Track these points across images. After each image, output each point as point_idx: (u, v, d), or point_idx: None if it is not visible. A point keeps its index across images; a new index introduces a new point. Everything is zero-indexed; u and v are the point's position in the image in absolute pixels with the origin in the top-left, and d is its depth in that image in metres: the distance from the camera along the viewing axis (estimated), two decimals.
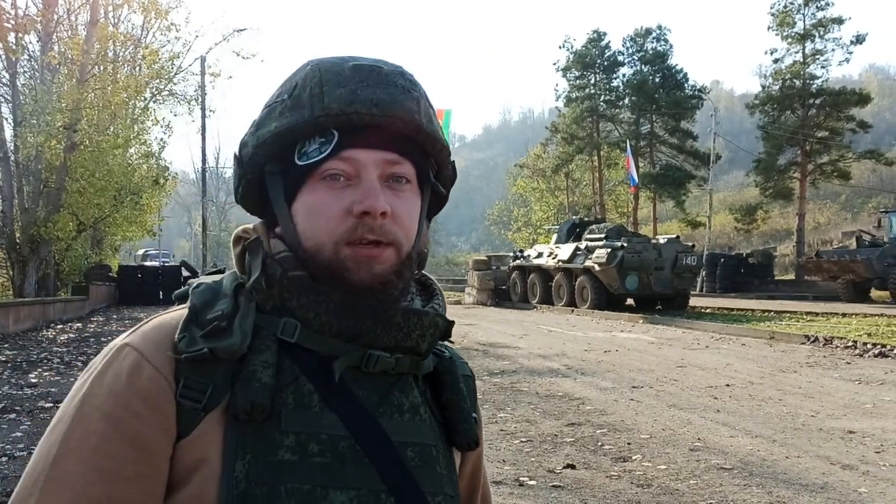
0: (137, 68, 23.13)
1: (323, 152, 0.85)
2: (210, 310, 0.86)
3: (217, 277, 0.93)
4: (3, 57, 17.89)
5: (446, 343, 1.00)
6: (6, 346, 12.28)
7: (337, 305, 0.85)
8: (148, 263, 36.12)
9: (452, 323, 0.95)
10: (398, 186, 0.88)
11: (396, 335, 0.87)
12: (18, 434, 6.03)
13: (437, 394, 0.95)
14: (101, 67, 20.92)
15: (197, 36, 39.76)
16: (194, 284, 0.91)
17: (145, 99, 22.60)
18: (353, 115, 0.84)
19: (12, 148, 18.48)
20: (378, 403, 0.87)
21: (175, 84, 22.87)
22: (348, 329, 0.85)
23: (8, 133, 18.55)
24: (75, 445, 0.79)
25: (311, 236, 0.87)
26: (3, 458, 5.30)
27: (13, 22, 16.09)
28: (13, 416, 6.73)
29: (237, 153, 0.93)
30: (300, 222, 0.88)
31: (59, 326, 16.13)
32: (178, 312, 0.87)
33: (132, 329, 0.88)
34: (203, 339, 0.82)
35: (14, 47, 16.61)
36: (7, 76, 18.61)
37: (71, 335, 14.35)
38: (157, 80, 22.25)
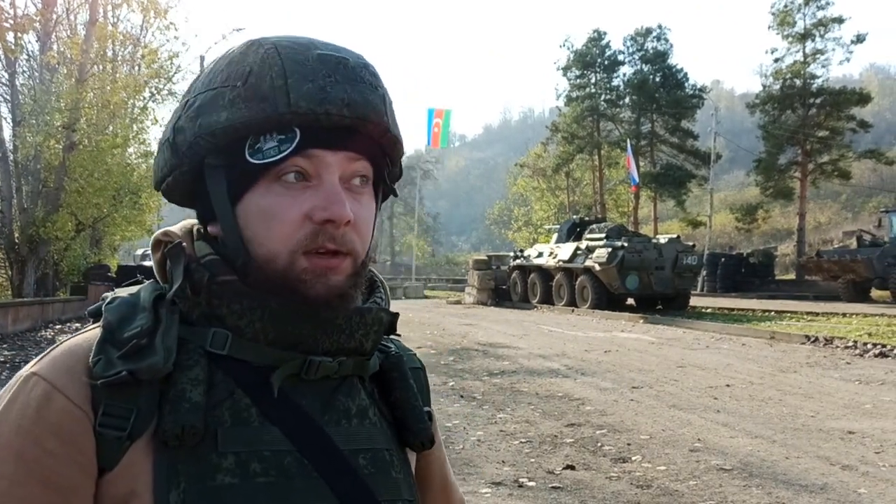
0: (136, 68, 23.12)
1: (282, 151, 0.77)
2: (127, 326, 0.77)
3: (134, 289, 0.84)
4: (2, 56, 17.87)
5: (392, 337, 0.95)
6: (5, 346, 12.27)
7: (273, 312, 0.78)
8: (147, 263, 36.07)
9: (396, 316, 0.90)
10: (357, 188, 0.82)
11: (338, 338, 0.81)
12: None
13: (386, 393, 0.89)
14: (100, 67, 20.91)
15: (196, 35, 39.66)
16: (108, 299, 0.83)
17: (144, 98, 22.57)
18: (323, 115, 0.77)
19: (11, 148, 18.47)
20: (323, 411, 0.81)
21: (174, 84, 22.84)
22: (286, 336, 0.79)
23: (7, 133, 18.54)
24: None
25: (264, 243, 0.79)
26: None
27: (12, 21, 16.07)
28: None
29: (170, 138, 0.82)
30: (249, 226, 0.80)
31: (58, 327, 16.12)
32: (92, 333, 0.79)
33: (41, 355, 0.80)
34: (121, 361, 0.74)
35: (13, 47, 16.58)
36: (6, 76, 18.60)
37: (70, 336, 14.34)
38: (157, 80, 22.22)
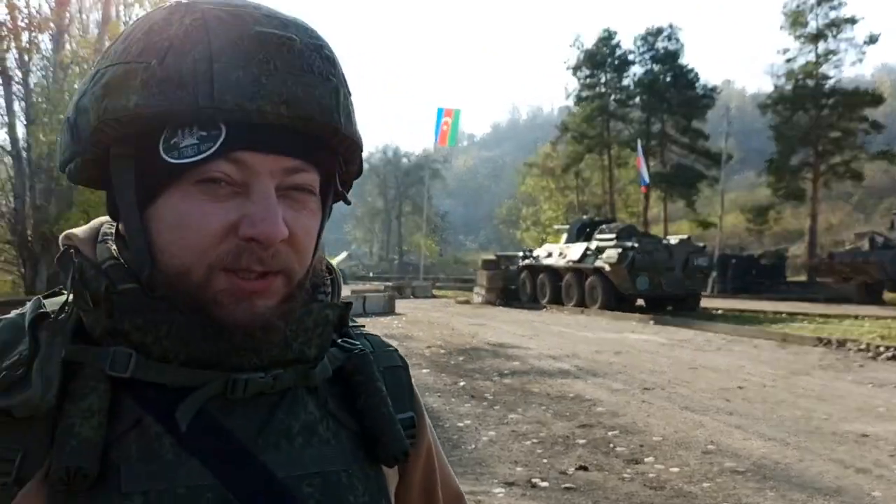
0: None
1: (203, 152, 0.63)
2: (8, 355, 0.66)
3: (28, 307, 0.71)
4: (16, 55, 17.99)
5: (363, 331, 0.83)
6: None
7: (181, 327, 0.66)
8: None
9: (349, 306, 0.78)
10: (299, 196, 0.68)
11: (270, 351, 0.69)
12: None
13: (350, 400, 0.76)
14: None
15: None
16: None
17: None
18: (255, 113, 0.63)
19: (24, 146, 18.59)
20: (257, 433, 0.68)
21: None
22: (201, 355, 0.66)
23: (20, 131, 18.67)
24: None
25: (177, 254, 0.65)
26: None
27: (27, 21, 16.17)
28: None
29: (71, 118, 0.69)
30: (161, 232, 0.66)
31: None
32: None
33: None
34: None
35: (27, 46, 16.70)
36: (20, 74, 18.72)
37: None
38: None
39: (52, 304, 0.71)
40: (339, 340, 0.79)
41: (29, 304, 0.71)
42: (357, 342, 0.80)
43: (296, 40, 0.65)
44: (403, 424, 0.77)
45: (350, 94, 0.71)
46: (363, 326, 0.85)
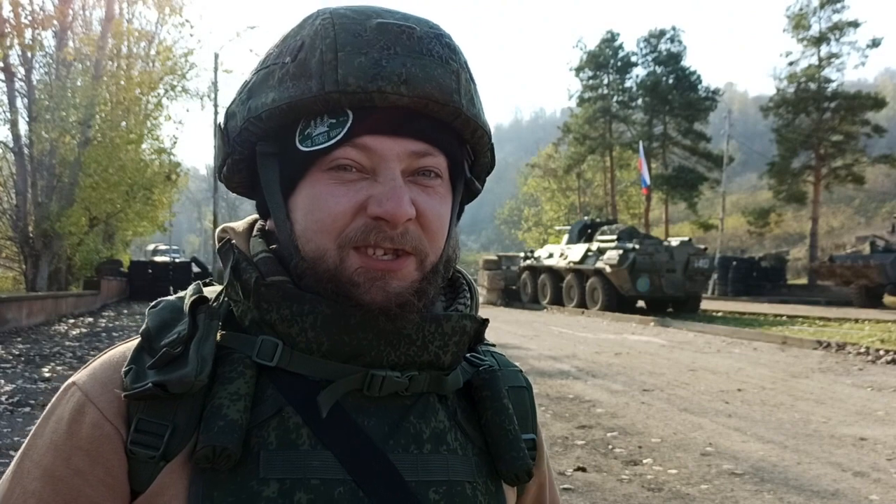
0: (151, 64, 23.27)
1: (332, 138, 0.67)
2: (167, 333, 0.70)
3: (184, 292, 0.76)
4: (19, 53, 18.01)
5: (492, 350, 0.84)
6: (19, 339, 12.37)
7: (326, 318, 0.68)
8: (158, 259, 36.30)
9: (485, 323, 0.78)
10: (427, 181, 0.70)
11: (408, 349, 0.70)
12: (32, 428, 6.06)
13: (476, 414, 0.77)
14: (115, 63, 21.05)
15: (210, 32, 39.84)
16: (153, 303, 0.76)
17: (158, 95, 22.72)
18: (376, 93, 0.66)
19: (27, 143, 18.62)
20: (388, 434, 0.70)
21: (188, 80, 22.99)
22: (342, 347, 0.69)
23: (23, 128, 18.70)
24: None
25: (313, 238, 0.69)
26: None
27: (30, 18, 16.19)
28: (27, 409, 6.77)
29: (222, 125, 0.75)
30: (300, 220, 0.70)
31: (71, 321, 16.23)
32: (136, 340, 0.72)
33: (89, 361, 0.74)
34: (152, 372, 0.67)
35: (31, 43, 16.72)
36: (22, 71, 18.74)
37: (83, 330, 14.43)
38: (171, 77, 22.36)
39: (209, 290, 0.76)
40: (469, 355, 0.79)
41: (190, 288, 0.76)
42: (485, 358, 0.81)
43: (416, 28, 0.69)
44: (526, 445, 0.78)
45: (474, 83, 0.73)
46: (493, 345, 0.86)
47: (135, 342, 0.72)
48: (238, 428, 0.65)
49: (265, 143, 0.72)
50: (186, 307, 0.72)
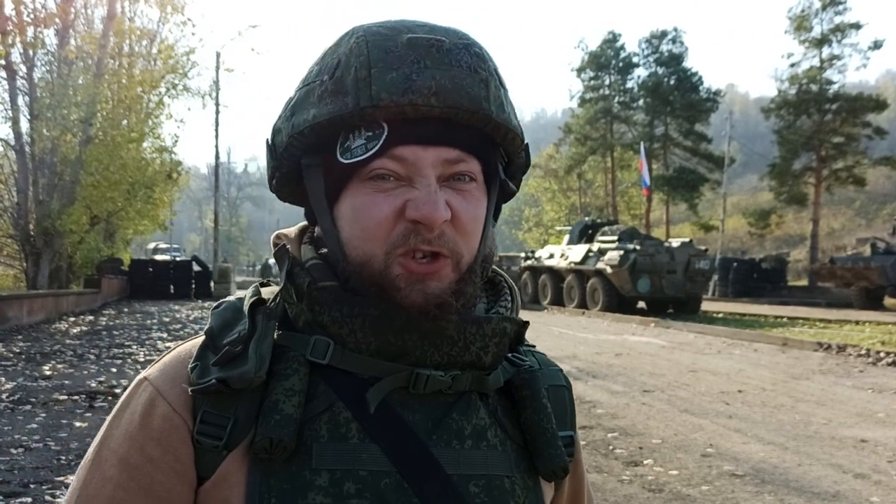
0: (153, 63, 23.28)
1: (369, 150, 0.72)
2: (228, 333, 0.76)
3: (244, 293, 0.82)
4: (21, 51, 18.02)
5: (532, 349, 0.88)
6: (20, 337, 12.38)
7: (374, 320, 0.73)
8: (159, 257, 36.29)
9: (525, 326, 0.82)
10: (461, 185, 0.74)
11: (450, 350, 0.74)
12: (34, 426, 6.07)
13: (516, 413, 0.80)
14: (117, 62, 21.05)
15: (212, 31, 39.82)
16: (216, 304, 0.81)
17: (160, 94, 22.72)
18: (408, 107, 0.70)
19: (28, 141, 18.62)
20: (432, 430, 0.74)
21: (190, 79, 22.99)
22: (389, 347, 0.73)
23: (24, 126, 18.70)
24: (93, 493, 0.73)
25: (359, 245, 0.74)
26: (20, 449, 5.34)
27: (32, 16, 16.20)
28: (28, 407, 6.78)
29: (270, 141, 0.80)
30: (345, 228, 0.75)
31: (72, 319, 16.25)
32: (200, 338, 0.78)
33: (157, 358, 0.80)
34: (215, 368, 0.72)
35: (33, 41, 16.73)
36: (24, 69, 18.75)
37: (83, 328, 14.44)
38: (172, 75, 22.37)
39: (266, 291, 0.81)
40: (510, 355, 0.83)
41: (249, 290, 0.82)
42: (525, 358, 0.84)
43: (444, 41, 0.73)
44: (563, 443, 0.81)
45: (504, 88, 0.76)
46: (534, 346, 0.89)
47: (199, 340, 0.78)
48: (293, 422, 0.70)
49: (309, 156, 0.77)
50: (246, 308, 0.78)
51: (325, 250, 0.80)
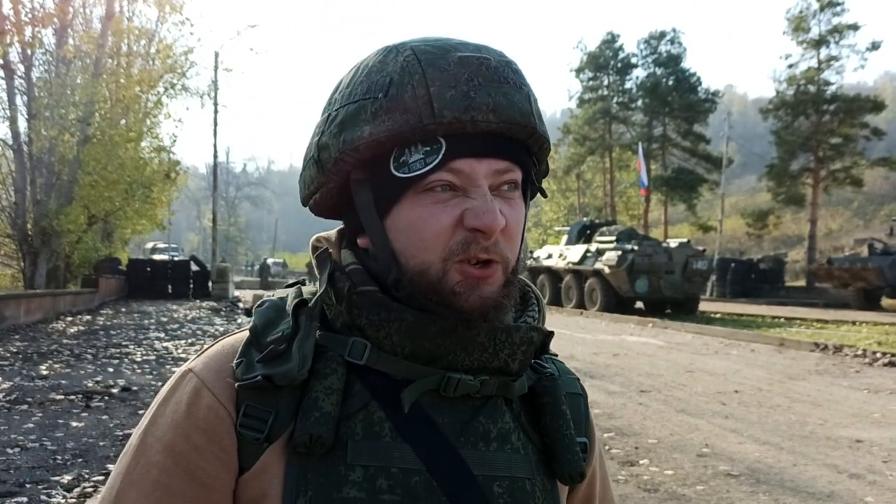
0: (151, 62, 23.25)
1: (429, 164, 0.74)
2: (271, 331, 0.79)
3: (284, 293, 0.85)
4: (19, 50, 18.00)
5: (553, 357, 0.92)
6: (17, 337, 12.38)
7: (409, 325, 0.76)
8: (157, 257, 36.23)
9: (551, 334, 0.86)
10: (508, 194, 0.78)
11: (480, 356, 0.77)
12: (30, 425, 6.07)
13: (536, 418, 0.84)
14: (115, 61, 21.04)
15: (211, 30, 39.79)
16: (258, 302, 0.85)
17: (158, 93, 22.70)
18: (469, 122, 0.73)
19: (26, 140, 18.60)
20: (460, 431, 0.78)
21: (188, 79, 22.96)
22: (422, 351, 0.77)
23: (22, 126, 18.68)
24: (137, 478, 0.76)
25: (416, 254, 0.76)
26: (16, 449, 5.34)
27: (30, 16, 16.19)
28: (24, 406, 6.78)
29: (315, 156, 0.80)
30: (400, 238, 0.77)
31: (69, 319, 16.24)
32: (243, 334, 0.81)
33: (199, 352, 0.83)
34: (259, 365, 0.76)
35: (31, 41, 16.71)
36: (22, 69, 18.72)
37: (80, 328, 14.44)
38: (171, 75, 22.34)
39: (307, 292, 0.85)
40: (533, 362, 0.87)
41: (291, 291, 0.85)
42: (547, 365, 0.88)
43: (490, 59, 0.76)
44: (579, 448, 0.85)
45: (538, 100, 0.81)
46: (555, 354, 0.93)
47: (241, 335, 0.81)
48: (331, 419, 0.74)
49: (359, 170, 0.78)
50: (289, 308, 0.81)
51: (362, 257, 0.83)
